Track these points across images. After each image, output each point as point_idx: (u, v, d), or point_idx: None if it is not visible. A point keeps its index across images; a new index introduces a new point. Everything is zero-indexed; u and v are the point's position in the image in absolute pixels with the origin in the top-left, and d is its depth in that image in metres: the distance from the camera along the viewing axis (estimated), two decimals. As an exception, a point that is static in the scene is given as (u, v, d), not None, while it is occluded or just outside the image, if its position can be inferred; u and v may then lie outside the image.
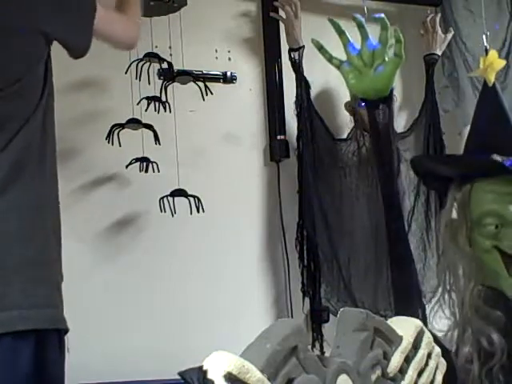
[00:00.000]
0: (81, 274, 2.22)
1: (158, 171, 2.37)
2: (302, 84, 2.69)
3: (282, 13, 2.71)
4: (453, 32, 2.87)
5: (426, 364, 0.80)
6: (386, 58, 1.28)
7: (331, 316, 2.64)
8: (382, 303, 2.59)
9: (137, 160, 2.36)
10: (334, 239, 2.68)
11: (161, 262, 2.46)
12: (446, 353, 0.90)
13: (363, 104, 1.34)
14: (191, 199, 2.35)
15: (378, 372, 0.73)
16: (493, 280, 1.26)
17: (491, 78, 1.32)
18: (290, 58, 2.70)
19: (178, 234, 2.48)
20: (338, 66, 1.33)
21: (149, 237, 2.47)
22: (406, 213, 2.70)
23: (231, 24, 2.74)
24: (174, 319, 2.43)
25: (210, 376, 0.57)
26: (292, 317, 2.58)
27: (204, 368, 0.57)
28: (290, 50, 2.69)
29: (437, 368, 0.82)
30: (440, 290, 1.30)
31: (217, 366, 0.57)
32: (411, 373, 0.77)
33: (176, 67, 2.43)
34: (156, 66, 2.40)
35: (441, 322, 1.30)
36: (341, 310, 0.76)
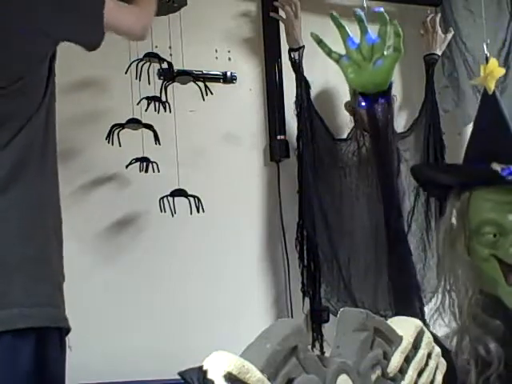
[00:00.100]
0: (81, 274, 2.22)
1: (158, 171, 2.37)
2: (302, 84, 2.69)
3: (282, 13, 2.71)
4: (453, 32, 2.87)
5: (426, 364, 0.80)
6: (385, 52, 1.29)
7: (331, 316, 2.64)
8: (381, 303, 2.59)
9: (137, 160, 2.36)
10: (334, 239, 2.68)
11: (161, 262, 2.46)
12: (445, 353, 0.90)
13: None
14: (191, 199, 2.35)
15: (378, 372, 0.73)
16: (491, 288, 1.26)
17: (491, 87, 1.32)
18: (290, 58, 2.69)
19: (177, 234, 2.48)
20: (337, 60, 1.33)
21: (149, 237, 2.47)
22: (405, 213, 2.70)
23: (231, 24, 2.74)
24: (173, 319, 2.43)
25: (210, 376, 0.57)
26: (292, 317, 2.58)
27: (204, 368, 0.57)
28: (290, 50, 2.69)
29: (437, 368, 0.82)
30: (440, 297, 1.29)
31: (217, 366, 0.57)
32: (411, 373, 0.77)
33: (176, 67, 2.42)
34: (156, 66, 2.40)
35: (440, 329, 1.29)
36: (341, 310, 0.76)
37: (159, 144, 2.37)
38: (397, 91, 2.84)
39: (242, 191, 2.65)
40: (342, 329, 0.73)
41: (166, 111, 2.37)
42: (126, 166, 2.36)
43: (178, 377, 0.59)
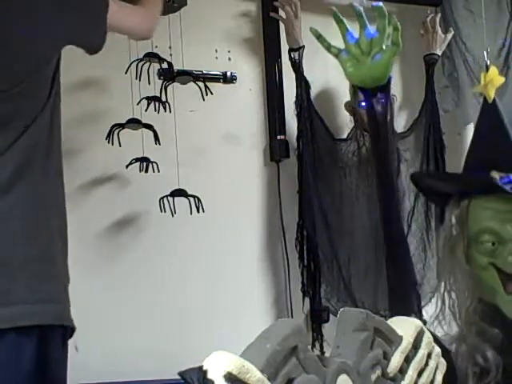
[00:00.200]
0: (81, 274, 2.21)
1: (158, 171, 2.37)
2: (302, 84, 2.69)
3: (282, 13, 2.71)
4: (453, 32, 2.87)
5: (426, 364, 0.80)
6: (384, 47, 1.29)
7: (331, 316, 2.64)
8: (381, 303, 2.58)
9: (137, 160, 2.36)
10: (334, 239, 2.68)
11: (161, 262, 2.46)
12: (445, 353, 0.90)
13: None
14: (191, 199, 2.35)
15: (378, 372, 0.73)
16: (490, 297, 1.25)
17: (491, 95, 1.32)
18: (290, 58, 2.69)
19: (178, 234, 2.48)
20: (336, 54, 1.34)
21: (149, 237, 2.47)
22: (406, 213, 2.70)
23: (231, 24, 2.74)
24: (173, 319, 2.43)
25: (210, 376, 0.57)
26: (292, 317, 2.58)
27: (204, 368, 0.57)
28: (290, 50, 2.69)
29: (437, 368, 0.82)
30: (439, 305, 1.29)
31: (217, 366, 0.57)
32: (411, 373, 0.77)
33: (176, 67, 2.43)
34: (156, 66, 2.40)
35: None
36: (341, 310, 0.75)
37: (159, 144, 2.37)
38: (397, 91, 2.84)
39: (242, 191, 2.65)
40: (342, 329, 0.73)
41: (165, 111, 2.37)
42: (126, 166, 2.36)
43: (177, 377, 0.59)
